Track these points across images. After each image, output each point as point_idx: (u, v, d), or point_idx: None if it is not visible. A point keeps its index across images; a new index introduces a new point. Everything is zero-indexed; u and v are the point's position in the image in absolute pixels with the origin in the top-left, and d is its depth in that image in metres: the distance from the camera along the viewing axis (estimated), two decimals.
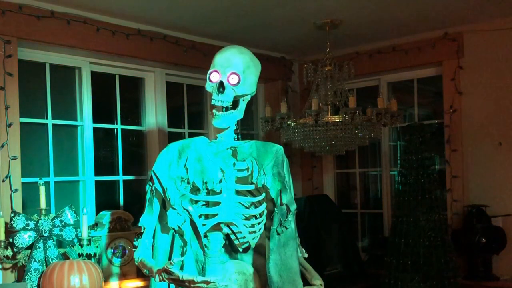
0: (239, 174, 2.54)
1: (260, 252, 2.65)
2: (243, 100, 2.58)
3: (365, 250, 5.46)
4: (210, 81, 2.52)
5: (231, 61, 2.50)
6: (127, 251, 3.86)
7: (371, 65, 5.13)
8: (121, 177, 4.43)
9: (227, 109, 2.52)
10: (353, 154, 5.54)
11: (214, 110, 2.53)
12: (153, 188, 2.50)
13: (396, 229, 4.42)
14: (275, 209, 2.55)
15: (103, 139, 4.49)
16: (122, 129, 4.46)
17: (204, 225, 2.49)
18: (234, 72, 2.49)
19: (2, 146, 3.52)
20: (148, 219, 2.50)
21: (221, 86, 2.47)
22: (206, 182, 2.48)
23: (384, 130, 5.04)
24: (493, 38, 4.51)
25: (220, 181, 2.49)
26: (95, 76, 4.24)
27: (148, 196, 2.53)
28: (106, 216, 3.85)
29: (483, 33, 4.54)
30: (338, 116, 4.12)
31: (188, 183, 2.48)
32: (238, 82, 2.49)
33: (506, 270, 4.41)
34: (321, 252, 4.67)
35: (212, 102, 2.49)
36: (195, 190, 2.51)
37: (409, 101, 5.20)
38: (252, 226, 2.56)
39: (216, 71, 2.51)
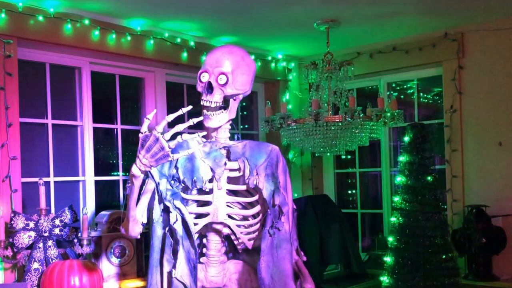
0: (231, 174, 2.53)
1: (258, 250, 2.65)
2: (234, 99, 2.58)
3: (365, 250, 5.46)
4: (200, 81, 2.52)
5: (220, 61, 2.50)
6: (127, 251, 3.85)
7: (371, 65, 5.13)
8: (121, 177, 4.43)
9: (220, 109, 2.52)
10: (353, 154, 5.54)
11: (204, 110, 2.53)
12: (147, 181, 2.50)
13: (396, 229, 4.42)
14: (268, 210, 2.54)
15: (103, 139, 4.48)
16: (122, 129, 4.47)
17: (196, 224, 2.48)
18: (222, 72, 2.49)
19: (2, 146, 3.51)
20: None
21: (209, 87, 2.48)
22: (195, 181, 2.48)
23: (384, 130, 5.04)
24: (493, 38, 4.51)
25: (211, 181, 2.49)
26: (95, 76, 4.24)
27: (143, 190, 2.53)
28: (106, 216, 3.85)
29: (483, 33, 4.54)
30: (338, 116, 4.12)
31: (179, 181, 2.48)
32: (226, 82, 2.49)
33: (506, 270, 4.41)
34: (321, 252, 4.67)
35: (201, 103, 2.51)
36: (186, 189, 2.51)
37: (409, 101, 5.20)
38: (247, 226, 2.56)
39: (206, 71, 2.51)
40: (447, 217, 4.57)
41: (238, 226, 2.54)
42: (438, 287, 4.23)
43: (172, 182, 2.48)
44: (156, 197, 2.46)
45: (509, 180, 4.44)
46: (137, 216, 2.40)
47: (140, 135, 2.12)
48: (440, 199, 4.46)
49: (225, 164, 2.53)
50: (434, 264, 4.23)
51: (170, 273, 2.44)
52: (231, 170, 2.54)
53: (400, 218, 4.40)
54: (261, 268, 2.48)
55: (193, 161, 2.50)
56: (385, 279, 4.48)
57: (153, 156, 2.11)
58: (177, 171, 2.49)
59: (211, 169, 2.51)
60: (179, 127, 2.12)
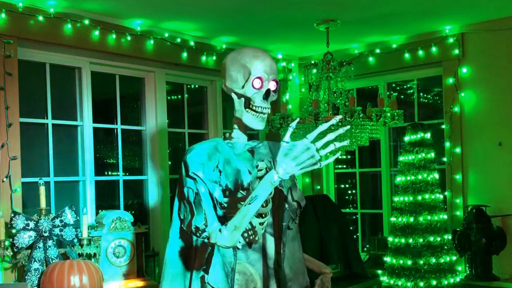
0: (259, 174, 2.57)
1: (254, 248, 2.67)
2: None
3: (365, 250, 5.46)
4: (253, 87, 2.54)
5: (273, 68, 2.58)
6: (127, 251, 3.86)
7: (371, 65, 5.13)
8: (121, 177, 4.42)
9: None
10: (353, 154, 5.55)
11: (255, 114, 2.54)
12: (197, 188, 2.46)
13: (396, 229, 4.43)
14: (286, 205, 2.59)
15: (103, 139, 4.48)
16: (122, 129, 4.47)
17: None
18: (275, 79, 2.57)
19: (2, 146, 3.51)
20: (204, 215, 2.40)
21: (267, 94, 2.53)
22: (241, 184, 2.50)
23: (384, 130, 5.04)
24: (493, 38, 4.51)
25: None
26: (95, 76, 4.24)
27: (192, 198, 2.46)
28: (106, 216, 3.85)
29: (483, 33, 4.55)
30: (338, 116, 4.12)
31: (221, 185, 2.49)
32: (276, 89, 2.57)
33: (506, 270, 4.41)
34: (321, 252, 4.67)
35: (258, 110, 2.53)
36: (224, 192, 2.52)
37: (409, 101, 5.21)
38: (262, 224, 2.60)
39: (260, 78, 2.54)
40: (447, 217, 4.57)
41: (258, 223, 2.58)
42: (438, 287, 4.23)
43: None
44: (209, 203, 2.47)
45: (509, 180, 4.44)
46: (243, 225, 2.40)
47: (284, 144, 2.16)
48: (440, 199, 4.47)
49: (257, 165, 2.57)
50: (434, 264, 4.23)
51: (202, 278, 2.45)
52: (259, 170, 2.58)
53: (400, 218, 4.41)
54: (283, 260, 2.57)
55: (231, 164, 2.53)
56: (385, 279, 4.48)
57: (299, 164, 2.16)
58: (220, 175, 2.50)
59: (248, 171, 2.54)
60: (330, 136, 2.15)
